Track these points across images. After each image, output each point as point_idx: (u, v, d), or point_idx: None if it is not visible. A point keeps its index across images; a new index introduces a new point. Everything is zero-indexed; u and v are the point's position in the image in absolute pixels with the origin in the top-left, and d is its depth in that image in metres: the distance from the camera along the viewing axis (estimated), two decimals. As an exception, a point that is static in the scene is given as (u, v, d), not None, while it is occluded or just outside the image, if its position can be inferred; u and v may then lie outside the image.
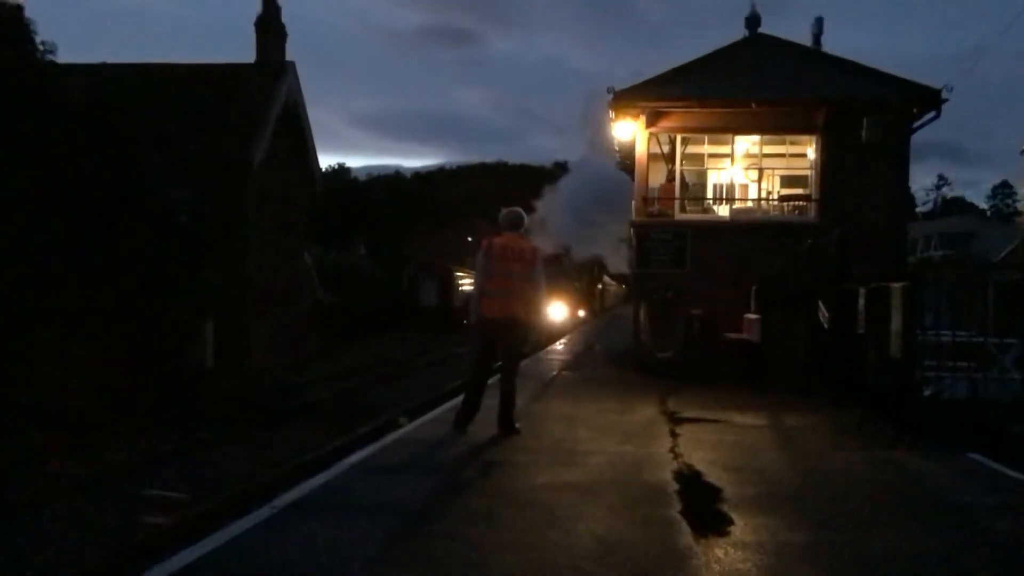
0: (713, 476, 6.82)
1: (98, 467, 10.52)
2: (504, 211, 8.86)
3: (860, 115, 14.93)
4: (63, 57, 15.65)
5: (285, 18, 22.36)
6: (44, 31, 15.35)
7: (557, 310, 34.96)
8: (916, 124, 15.38)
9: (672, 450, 7.99)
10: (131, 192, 15.07)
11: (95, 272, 13.99)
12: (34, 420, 12.13)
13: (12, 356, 12.72)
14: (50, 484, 9.57)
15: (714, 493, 6.27)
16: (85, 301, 13.77)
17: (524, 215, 8.91)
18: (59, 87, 14.82)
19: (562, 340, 26.87)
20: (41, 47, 15.05)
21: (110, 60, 21.21)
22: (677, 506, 5.87)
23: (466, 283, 41.87)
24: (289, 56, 22.49)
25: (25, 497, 8.93)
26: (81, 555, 7.25)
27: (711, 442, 8.49)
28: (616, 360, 18.38)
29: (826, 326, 11.93)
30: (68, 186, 13.88)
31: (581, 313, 45.94)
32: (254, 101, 20.70)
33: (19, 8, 15.28)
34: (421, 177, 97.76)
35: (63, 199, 13.76)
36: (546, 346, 23.40)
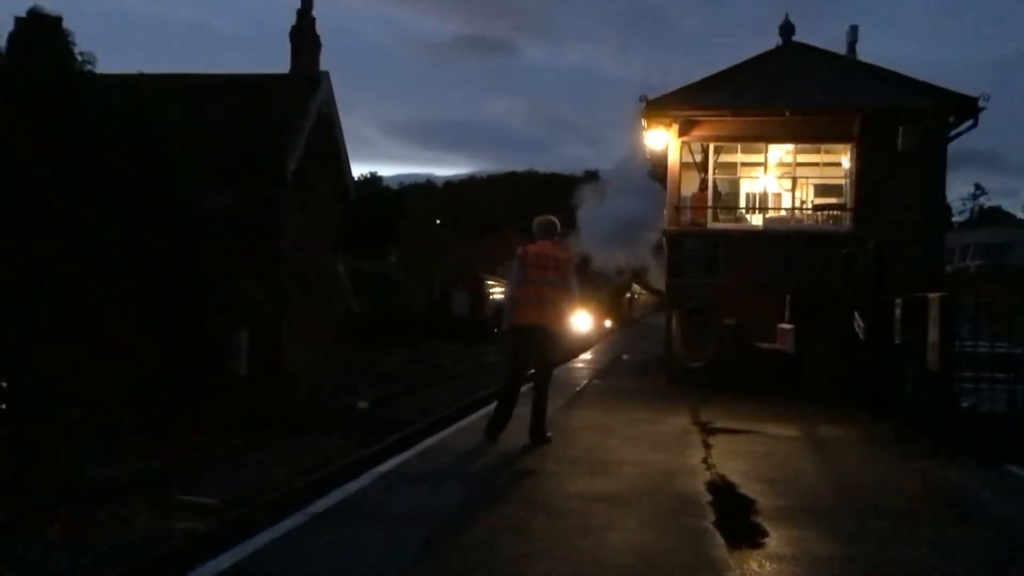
0: (747, 487, 6.76)
1: (133, 473, 10.63)
2: (537, 219, 8.89)
3: (896, 124, 14.76)
4: (101, 68, 15.85)
5: (319, 29, 22.54)
6: (84, 43, 15.57)
7: (578, 320, 34.67)
8: (953, 133, 15.18)
9: (705, 461, 7.94)
10: (166, 202, 15.23)
11: (130, 281, 14.14)
12: (70, 428, 12.29)
13: (47, 365, 12.89)
14: (86, 490, 9.68)
15: (748, 504, 6.21)
16: (120, 310, 13.93)
17: (557, 223, 8.92)
18: (96, 97, 15.02)
19: (588, 351, 26.76)
20: (79, 57, 15.26)
21: (147, 71, 21.48)
22: (711, 517, 5.82)
23: (497, 292, 41.83)
24: (323, 66, 22.65)
25: (61, 503, 9.05)
26: (116, 560, 7.32)
27: (744, 453, 8.43)
28: (646, 370, 18.30)
29: (861, 337, 11.81)
30: (103, 196, 14.06)
31: (607, 323, 45.21)
32: (288, 111, 20.88)
33: (58, 20, 15.54)
34: (452, 186, 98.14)
35: (98, 209, 13.93)
36: (575, 357, 23.33)
